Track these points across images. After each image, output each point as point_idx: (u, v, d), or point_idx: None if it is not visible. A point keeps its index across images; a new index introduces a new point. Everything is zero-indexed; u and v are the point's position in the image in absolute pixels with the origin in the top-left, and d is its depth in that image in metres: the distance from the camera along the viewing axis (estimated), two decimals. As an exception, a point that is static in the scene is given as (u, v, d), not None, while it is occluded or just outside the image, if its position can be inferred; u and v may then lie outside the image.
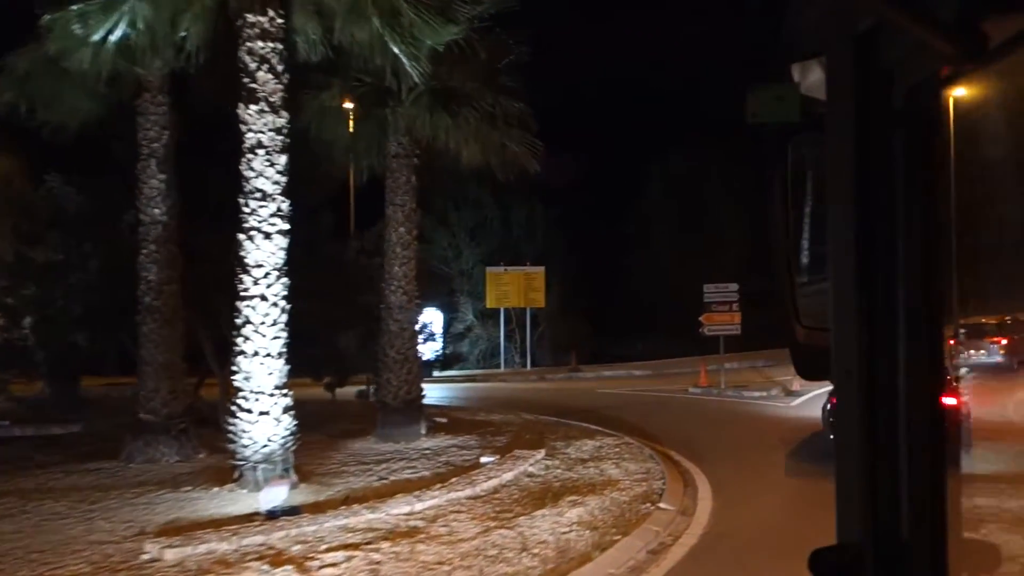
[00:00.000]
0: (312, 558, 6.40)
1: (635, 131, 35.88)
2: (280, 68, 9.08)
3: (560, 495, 8.65)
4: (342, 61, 10.66)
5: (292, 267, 9.27)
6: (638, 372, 27.98)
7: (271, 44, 8.99)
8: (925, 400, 1.03)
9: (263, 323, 8.96)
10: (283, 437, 8.97)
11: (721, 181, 32.68)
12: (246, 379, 8.94)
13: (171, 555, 6.44)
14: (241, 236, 8.95)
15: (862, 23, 1.00)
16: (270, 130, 9.00)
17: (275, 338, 9.03)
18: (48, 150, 12.50)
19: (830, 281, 1.08)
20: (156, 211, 11.07)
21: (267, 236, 8.97)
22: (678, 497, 8.81)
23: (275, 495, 7.94)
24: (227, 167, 9.54)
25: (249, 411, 8.87)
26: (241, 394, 8.94)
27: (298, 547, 6.69)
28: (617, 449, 11.60)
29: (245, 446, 8.86)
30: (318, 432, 12.50)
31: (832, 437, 1.26)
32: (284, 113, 9.15)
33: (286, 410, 9.04)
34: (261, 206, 8.95)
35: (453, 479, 9.22)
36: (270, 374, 8.98)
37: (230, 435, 8.98)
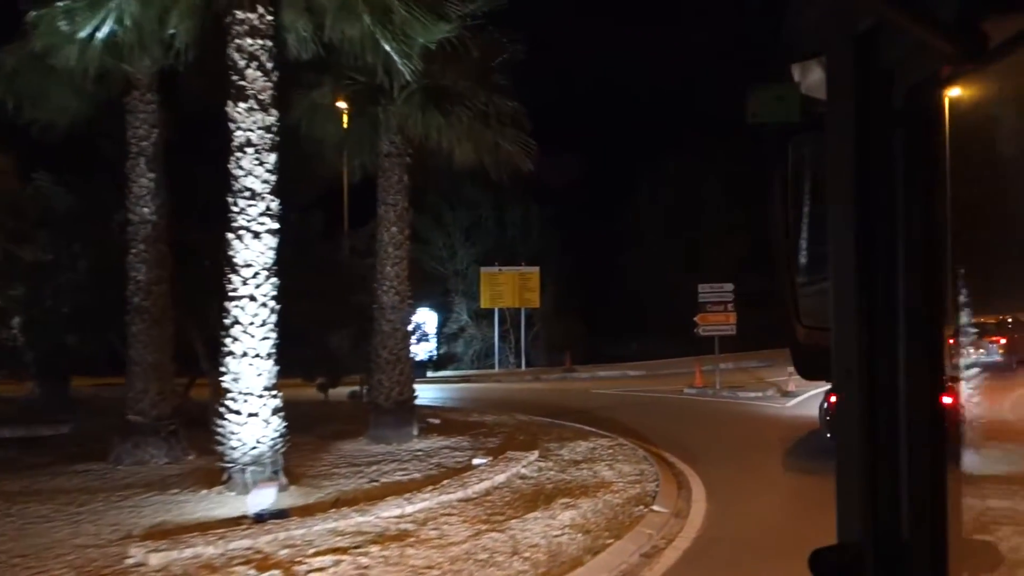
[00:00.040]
0: (299, 562, 6.31)
1: (631, 131, 35.98)
2: (269, 66, 8.99)
3: (552, 497, 8.57)
4: (333, 59, 10.56)
5: (283, 267, 9.17)
6: (633, 372, 27.90)
7: (260, 41, 8.90)
8: (925, 400, 1.04)
9: (252, 323, 8.86)
10: (272, 439, 8.88)
11: (717, 181, 32.72)
12: (235, 380, 8.85)
13: (156, 559, 6.34)
14: (230, 235, 8.85)
15: (862, 23, 1.01)
16: (259, 128, 8.90)
17: (264, 339, 8.93)
18: (37, 148, 12.38)
19: (830, 281, 1.09)
20: (145, 210, 10.97)
21: (256, 235, 8.87)
22: (672, 499, 8.74)
23: (263, 498, 7.80)
24: (217, 165, 9.43)
25: (238, 412, 8.78)
26: (229, 395, 8.84)
27: (285, 551, 6.59)
28: (611, 450, 11.52)
29: (233, 448, 8.76)
30: (309, 433, 12.39)
31: (829, 436, 1.24)
32: (274, 111, 9.05)
33: (275, 411, 8.95)
34: (250, 205, 8.85)
35: (445, 481, 9.13)
36: (259, 375, 8.88)
37: (218, 437, 8.87)
